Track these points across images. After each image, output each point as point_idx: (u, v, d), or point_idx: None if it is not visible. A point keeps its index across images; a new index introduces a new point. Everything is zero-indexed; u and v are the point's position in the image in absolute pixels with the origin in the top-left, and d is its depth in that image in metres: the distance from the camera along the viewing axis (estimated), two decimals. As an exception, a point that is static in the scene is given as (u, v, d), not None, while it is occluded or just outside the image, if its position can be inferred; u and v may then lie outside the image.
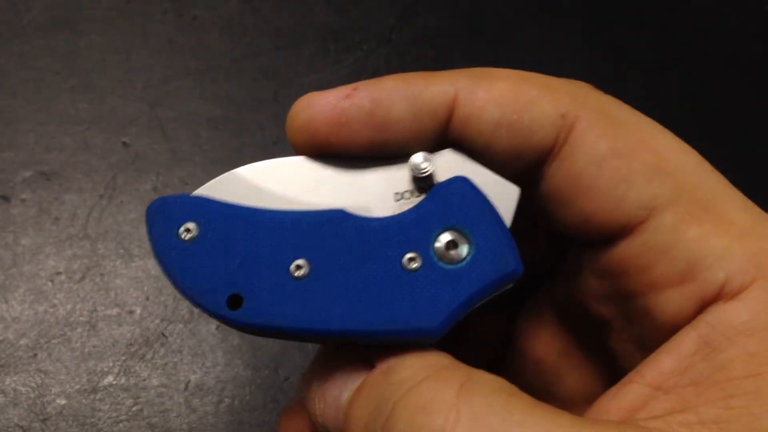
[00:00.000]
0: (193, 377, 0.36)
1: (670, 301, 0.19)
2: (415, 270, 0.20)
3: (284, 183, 0.21)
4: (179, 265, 0.20)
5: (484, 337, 0.26)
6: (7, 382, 0.35)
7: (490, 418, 0.16)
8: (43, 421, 0.34)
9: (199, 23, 0.46)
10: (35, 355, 0.35)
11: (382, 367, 0.19)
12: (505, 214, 0.20)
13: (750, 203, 0.20)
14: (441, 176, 0.21)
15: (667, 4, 0.51)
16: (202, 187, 0.21)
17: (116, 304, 0.37)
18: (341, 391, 0.20)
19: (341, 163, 0.21)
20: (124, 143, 0.42)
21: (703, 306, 0.19)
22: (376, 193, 0.21)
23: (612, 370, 0.22)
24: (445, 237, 0.20)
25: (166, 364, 0.36)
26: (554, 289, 0.24)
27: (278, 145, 0.43)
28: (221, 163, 0.42)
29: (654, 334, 0.20)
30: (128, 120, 0.42)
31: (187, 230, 0.20)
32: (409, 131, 0.20)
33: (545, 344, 0.24)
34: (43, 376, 0.35)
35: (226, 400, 0.35)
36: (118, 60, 0.44)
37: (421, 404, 0.17)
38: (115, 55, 0.44)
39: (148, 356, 0.36)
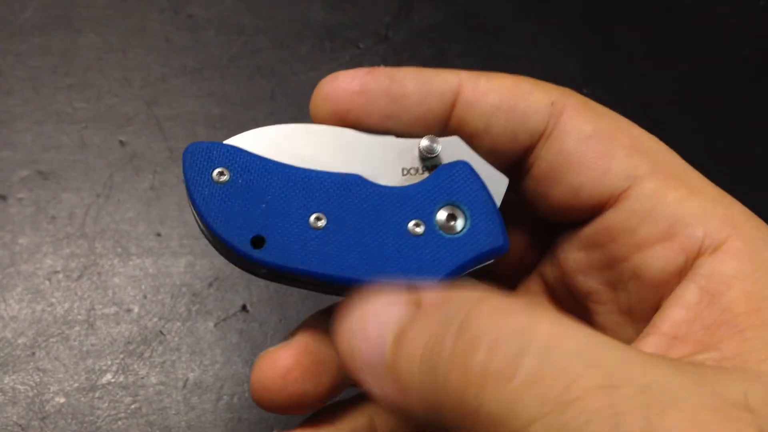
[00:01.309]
0: (191, 375, 0.36)
1: (656, 258, 0.21)
2: (419, 235, 0.22)
3: (304, 145, 0.23)
4: (210, 204, 0.22)
5: None
6: (5, 381, 0.35)
7: (567, 326, 0.16)
8: (42, 419, 0.34)
9: (195, 21, 0.46)
10: (33, 353, 0.36)
11: (433, 297, 0.19)
12: (495, 199, 0.23)
13: (709, 181, 0.23)
14: (445, 159, 0.23)
15: (663, 0, 0.51)
16: (232, 138, 0.23)
17: (114, 302, 0.37)
18: (386, 324, 0.19)
19: (356, 134, 0.23)
20: (121, 142, 0.42)
21: (686, 259, 0.21)
22: (386, 165, 0.23)
23: None
24: (446, 210, 0.23)
25: (164, 362, 0.36)
26: (543, 271, 0.26)
27: (275, 143, 0.43)
28: (218, 161, 0.42)
29: (642, 295, 0.22)
30: (125, 118, 0.42)
31: (221, 173, 0.22)
32: (419, 108, 0.23)
33: None
34: (41, 374, 0.35)
35: (225, 397, 0.35)
36: (114, 58, 0.44)
37: (498, 308, 0.17)
38: (111, 54, 0.44)
39: (147, 354, 0.36)
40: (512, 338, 0.16)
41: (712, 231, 0.21)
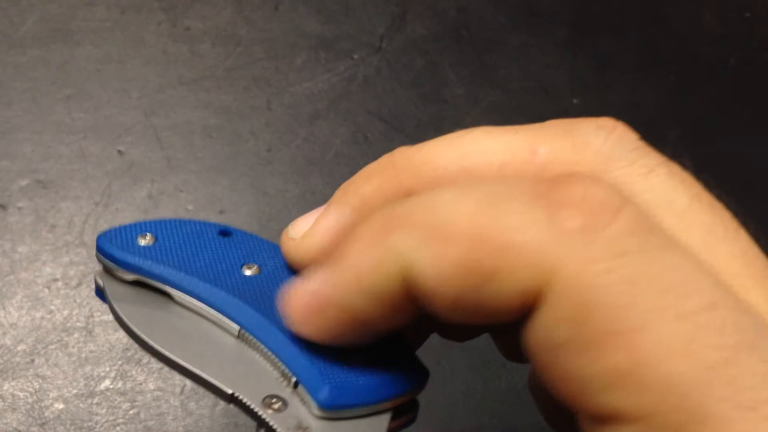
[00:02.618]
0: (188, 381, 0.36)
1: None
2: None
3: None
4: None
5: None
6: (5, 388, 0.35)
7: None
8: (41, 425, 0.34)
9: (192, 33, 0.47)
10: (33, 360, 0.36)
11: None
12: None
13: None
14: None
15: (650, 11, 0.52)
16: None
17: (112, 309, 0.38)
18: None
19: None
20: (119, 151, 0.42)
21: None
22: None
23: None
24: None
25: (161, 368, 0.36)
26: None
27: (272, 153, 0.43)
28: (215, 170, 0.42)
29: None
30: (123, 129, 0.43)
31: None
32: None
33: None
34: (40, 381, 0.35)
35: (221, 403, 0.36)
36: (112, 70, 0.45)
37: None
38: (109, 65, 0.45)
39: (144, 360, 0.36)
40: None
41: None
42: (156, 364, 0.36)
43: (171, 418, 0.35)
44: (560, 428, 0.23)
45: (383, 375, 0.19)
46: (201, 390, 0.36)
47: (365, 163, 0.23)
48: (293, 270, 0.21)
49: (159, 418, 0.35)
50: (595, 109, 0.47)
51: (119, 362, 0.36)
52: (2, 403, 0.35)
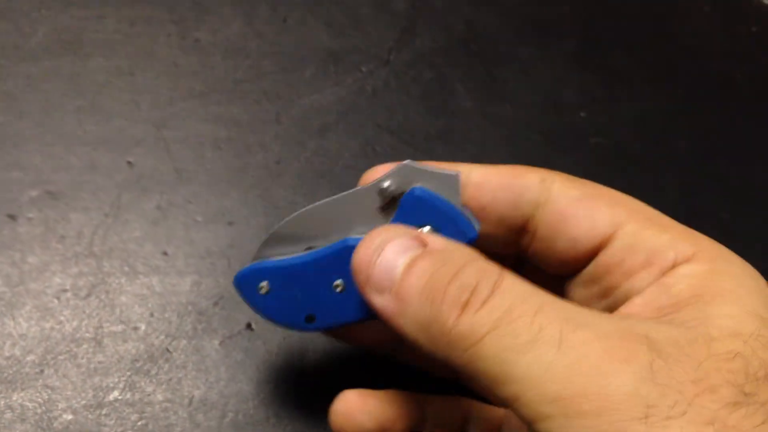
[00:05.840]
0: (197, 392, 0.36)
1: (641, 280, 0.26)
2: None
3: (305, 231, 0.30)
4: (267, 309, 0.30)
5: None
6: (14, 398, 0.35)
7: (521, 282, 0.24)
8: (50, 436, 0.35)
9: (202, 46, 0.47)
10: (42, 371, 0.36)
11: (438, 242, 0.25)
12: (455, 195, 0.27)
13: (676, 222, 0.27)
14: (400, 184, 0.28)
15: (658, 25, 0.53)
16: (261, 246, 0.31)
17: (121, 320, 0.38)
18: (401, 252, 0.25)
19: (328, 202, 0.29)
20: (129, 163, 0.43)
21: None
22: (367, 214, 0.28)
23: None
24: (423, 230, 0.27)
25: (170, 380, 0.36)
26: None
27: (281, 165, 0.44)
28: (225, 182, 0.42)
29: None
30: (134, 141, 0.43)
31: (262, 288, 0.30)
32: None
33: None
34: (49, 391, 0.35)
35: (230, 414, 0.36)
36: (123, 82, 0.45)
37: (480, 270, 0.24)
38: (120, 78, 0.45)
39: (153, 372, 0.36)
40: (484, 284, 0.23)
41: (682, 253, 0.25)
42: (164, 375, 0.36)
43: (179, 429, 0.35)
44: None
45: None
46: (209, 402, 0.36)
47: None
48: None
49: (167, 429, 0.35)
50: (602, 123, 0.47)
51: (128, 373, 0.36)
52: (11, 414, 0.35)
